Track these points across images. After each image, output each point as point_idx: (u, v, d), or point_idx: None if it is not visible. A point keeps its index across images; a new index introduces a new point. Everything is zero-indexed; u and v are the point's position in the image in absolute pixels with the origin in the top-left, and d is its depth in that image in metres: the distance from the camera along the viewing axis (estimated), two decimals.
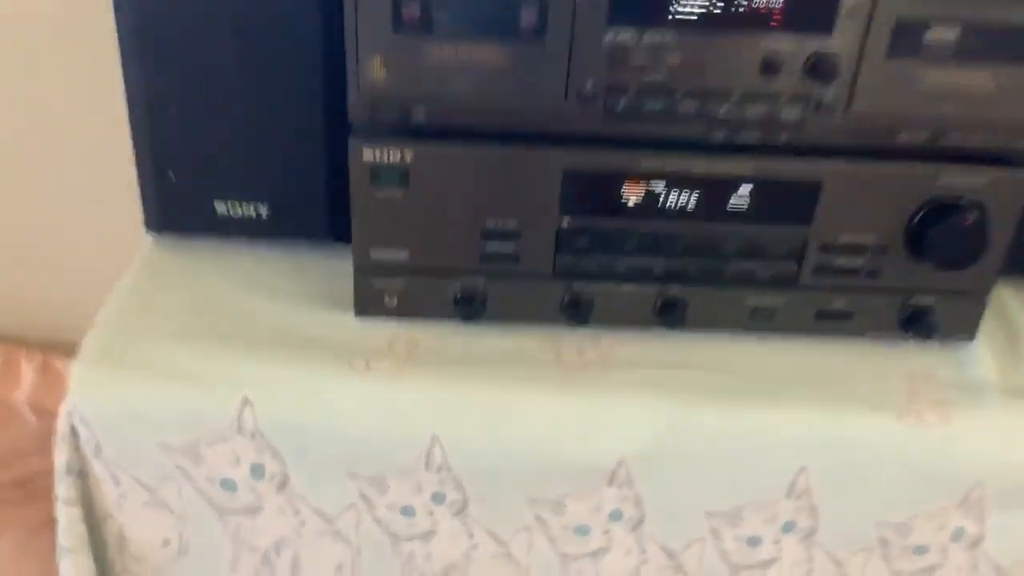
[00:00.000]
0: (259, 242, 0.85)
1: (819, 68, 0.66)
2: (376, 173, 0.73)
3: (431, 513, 0.80)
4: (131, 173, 0.81)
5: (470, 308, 0.79)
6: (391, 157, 0.72)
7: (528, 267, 0.77)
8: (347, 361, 0.78)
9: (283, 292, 0.84)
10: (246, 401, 0.76)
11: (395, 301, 0.80)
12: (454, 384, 0.77)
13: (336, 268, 0.83)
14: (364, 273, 0.79)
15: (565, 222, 0.76)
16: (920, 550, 0.75)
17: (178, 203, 0.83)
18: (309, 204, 0.82)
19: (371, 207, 0.75)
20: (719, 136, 0.70)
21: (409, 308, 0.80)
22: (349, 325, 0.81)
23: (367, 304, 0.81)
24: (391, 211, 0.74)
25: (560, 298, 0.79)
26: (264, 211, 0.84)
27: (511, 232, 0.76)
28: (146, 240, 0.86)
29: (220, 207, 0.84)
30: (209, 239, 0.85)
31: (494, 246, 0.77)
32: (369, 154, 0.72)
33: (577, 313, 0.79)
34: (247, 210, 0.84)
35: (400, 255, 0.77)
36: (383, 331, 0.81)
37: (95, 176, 1.17)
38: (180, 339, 0.78)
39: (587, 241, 0.76)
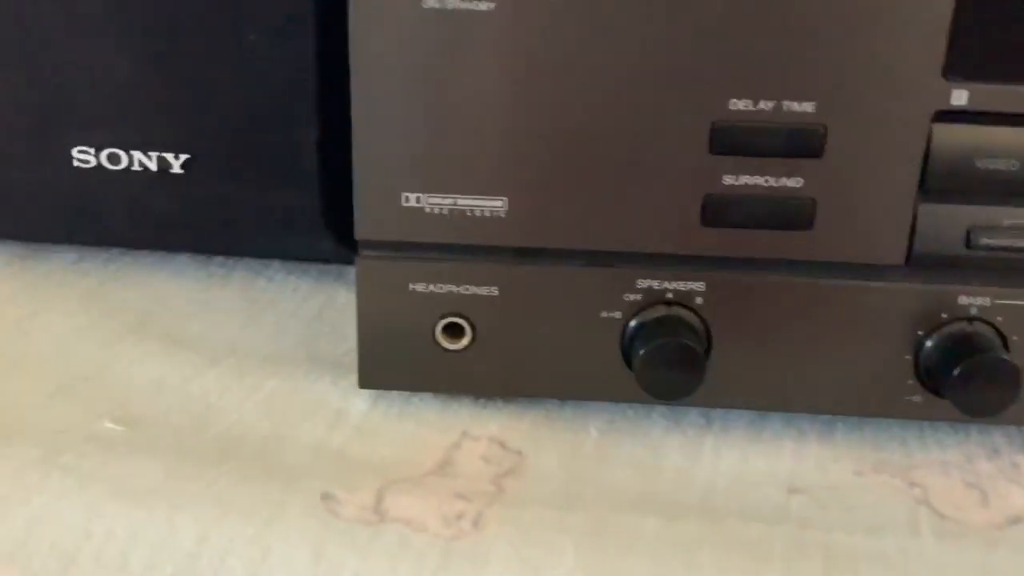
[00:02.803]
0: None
1: None
2: None
3: None
4: None
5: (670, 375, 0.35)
6: None
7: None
8: (334, 505, 0.34)
9: (189, 339, 0.44)
10: None
11: (465, 340, 0.38)
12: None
13: (313, 298, 0.48)
14: (382, 265, 0.38)
15: None
16: None
17: None
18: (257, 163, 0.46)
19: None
20: None
21: (497, 369, 0.38)
22: (350, 415, 0.40)
23: (389, 360, 0.39)
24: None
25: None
26: (177, 166, 0.46)
27: None
28: None
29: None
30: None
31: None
32: None
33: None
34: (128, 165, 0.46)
35: (490, 204, 0.36)
36: (431, 430, 0.39)
37: None
38: None
39: None
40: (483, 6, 0.33)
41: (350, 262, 0.52)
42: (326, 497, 0.33)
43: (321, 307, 0.48)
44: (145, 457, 0.35)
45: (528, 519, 0.33)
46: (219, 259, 0.52)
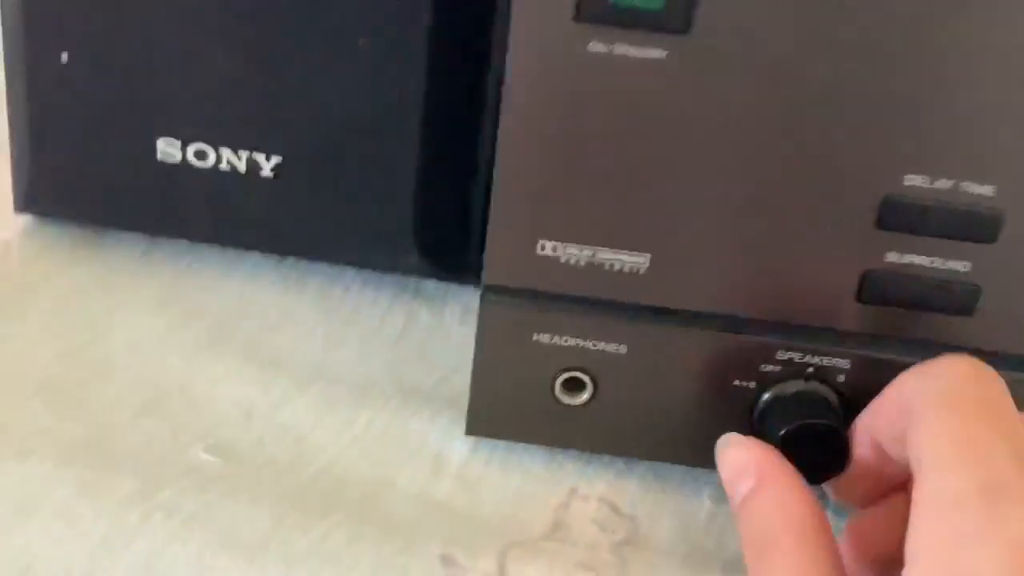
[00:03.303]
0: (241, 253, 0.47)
1: None
2: None
3: None
4: None
5: None
6: None
7: None
8: (456, 571, 0.31)
9: (272, 356, 0.41)
10: None
11: (585, 396, 0.36)
12: None
13: (394, 314, 0.45)
14: (508, 312, 0.35)
15: None
16: None
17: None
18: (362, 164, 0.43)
19: None
20: None
21: (613, 427, 0.36)
22: (452, 461, 0.37)
23: (501, 409, 0.36)
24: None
25: None
26: (267, 169, 0.43)
27: None
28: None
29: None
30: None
31: None
32: None
33: None
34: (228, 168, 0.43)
35: (632, 259, 0.34)
36: (537, 484, 0.37)
37: None
38: None
39: None
40: (654, 54, 0.31)
41: (429, 276, 0.50)
42: (447, 561, 0.31)
43: (404, 326, 0.46)
44: (247, 499, 0.33)
45: None
46: (291, 259, 0.49)
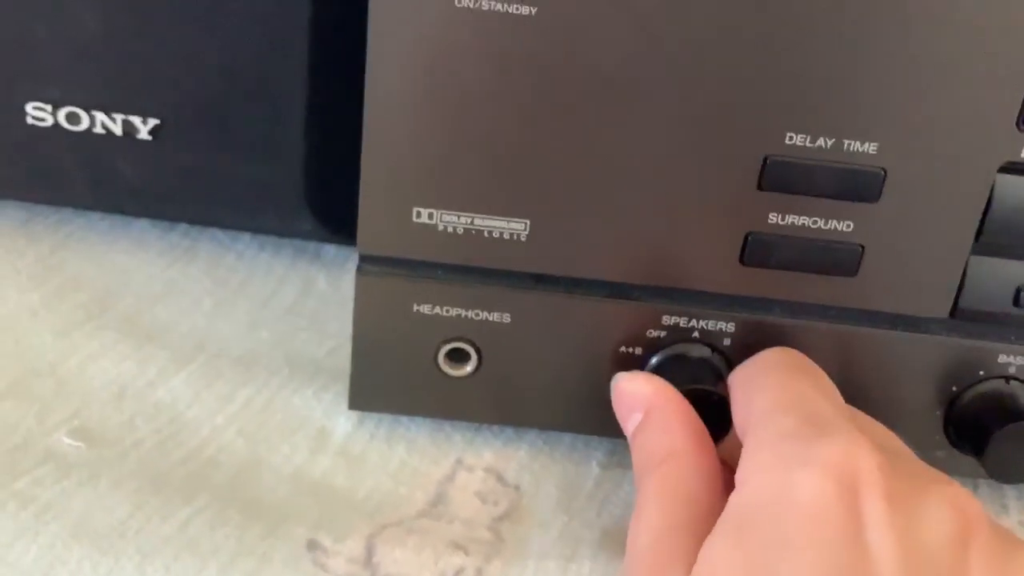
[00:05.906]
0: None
1: None
2: None
3: None
4: None
5: None
6: None
7: None
8: (321, 557, 0.30)
9: (153, 330, 0.39)
10: None
11: (469, 367, 0.35)
12: None
13: (289, 281, 0.43)
14: (385, 283, 0.34)
15: None
16: None
17: None
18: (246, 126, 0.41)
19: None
20: None
21: (500, 397, 0.35)
22: (334, 436, 0.36)
23: (384, 382, 0.35)
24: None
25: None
26: (144, 131, 0.41)
27: None
28: None
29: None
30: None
31: None
32: None
33: None
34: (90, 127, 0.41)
35: (511, 226, 0.33)
36: (422, 458, 0.36)
37: None
38: None
39: None
40: (523, 10, 0.29)
41: (329, 240, 0.48)
42: (312, 547, 0.30)
43: (299, 294, 0.44)
44: (108, 485, 0.31)
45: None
46: (182, 226, 0.47)
